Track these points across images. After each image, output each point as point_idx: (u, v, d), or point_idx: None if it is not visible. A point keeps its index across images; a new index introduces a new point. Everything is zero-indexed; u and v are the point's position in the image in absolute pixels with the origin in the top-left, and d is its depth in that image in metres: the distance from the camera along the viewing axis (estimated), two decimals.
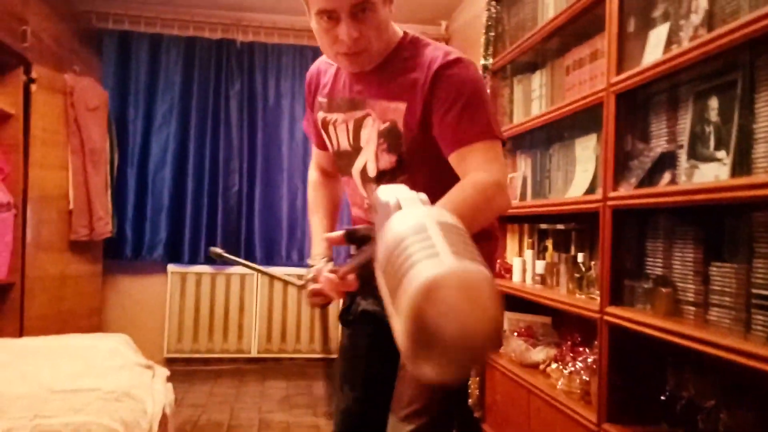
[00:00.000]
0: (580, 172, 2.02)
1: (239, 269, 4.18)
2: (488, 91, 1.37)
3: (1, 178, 2.90)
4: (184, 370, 4.08)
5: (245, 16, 4.26)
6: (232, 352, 4.24)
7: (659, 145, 1.61)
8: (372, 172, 1.35)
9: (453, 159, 1.20)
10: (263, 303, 4.25)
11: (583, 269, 1.94)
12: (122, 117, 4.06)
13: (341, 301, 1.40)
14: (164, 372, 2.25)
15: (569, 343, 2.12)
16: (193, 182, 4.17)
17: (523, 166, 2.48)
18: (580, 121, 2.02)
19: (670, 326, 1.40)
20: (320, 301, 1.27)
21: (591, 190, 1.91)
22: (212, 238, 4.19)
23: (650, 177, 1.59)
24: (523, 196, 2.42)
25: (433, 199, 0.88)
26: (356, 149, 1.37)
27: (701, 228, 1.45)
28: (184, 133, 4.17)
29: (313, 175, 1.59)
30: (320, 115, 1.43)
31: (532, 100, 2.37)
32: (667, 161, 1.56)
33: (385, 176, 1.34)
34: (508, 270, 2.51)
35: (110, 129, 3.77)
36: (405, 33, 1.33)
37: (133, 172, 4.10)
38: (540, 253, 2.32)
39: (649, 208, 1.60)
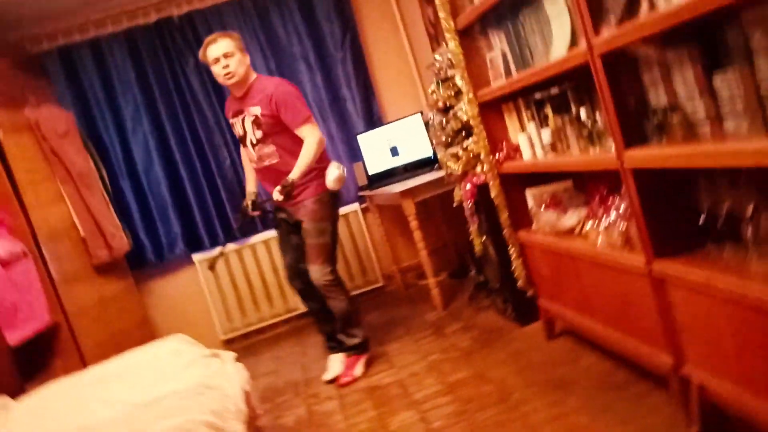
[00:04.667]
0: (557, 30, 1.96)
1: (259, 237, 4.23)
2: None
3: (6, 229, 2.90)
4: (244, 346, 4.21)
5: None
6: (283, 314, 4.35)
7: None
8: (253, 140, 2.93)
9: (297, 132, 2.85)
10: None
11: (589, 124, 1.92)
12: (94, 131, 4.01)
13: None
14: (231, 355, 2.31)
15: (596, 198, 2.13)
16: (186, 169, 4.16)
17: (498, 42, 2.41)
18: None
19: (689, 151, 1.40)
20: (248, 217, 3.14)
21: (574, 42, 1.86)
22: (224, 216, 4.21)
23: (629, 11, 1.54)
24: (507, 73, 2.37)
25: (284, 146, 2.90)
26: (245, 132, 2.95)
27: (694, 43, 1.41)
28: (159, 126, 4.12)
29: (242, 149, 3.13)
30: (231, 121, 3.05)
31: None
32: None
33: (259, 141, 2.91)
34: (517, 149, 2.49)
35: (88, 147, 3.72)
36: (258, 75, 2.96)
37: (125, 179, 4.09)
38: (542, 122, 2.30)
39: (637, 42, 1.56)
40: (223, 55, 2.77)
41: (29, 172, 3.09)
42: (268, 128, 2.86)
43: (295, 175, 2.80)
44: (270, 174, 2.95)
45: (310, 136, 2.84)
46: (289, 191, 2.81)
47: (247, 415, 1.95)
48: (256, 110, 2.85)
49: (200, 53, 2.88)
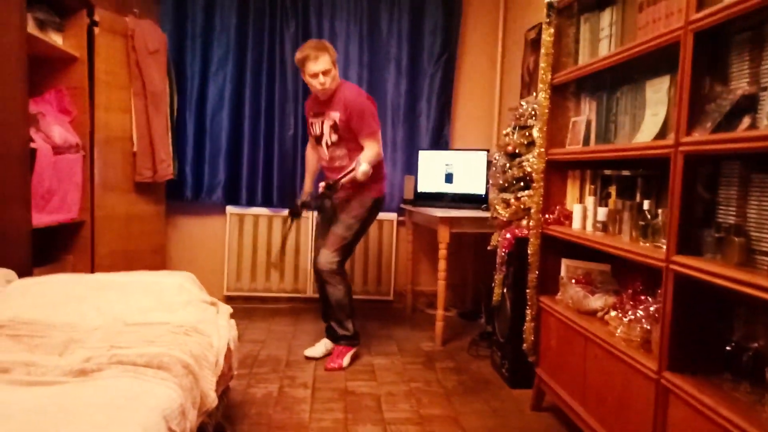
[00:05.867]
0: (649, 116, 1.93)
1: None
2: (373, 106, 3.15)
3: (69, 120, 3.00)
4: (243, 308, 4.24)
5: None
6: (289, 292, 4.37)
7: (740, 87, 1.51)
8: (329, 143, 3.16)
9: (361, 141, 3.07)
10: None
11: (649, 217, 1.88)
12: (180, 60, 4.11)
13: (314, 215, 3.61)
14: (227, 309, 2.34)
15: (630, 291, 2.08)
16: (250, 126, 4.22)
17: (587, 110, 2.39)
18: (653, 61, 1.92)
19: (741, 276, 1.35)
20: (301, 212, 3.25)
21: (661, 135, 1.83)
22: (269, 181, 4.26)
23: (728, 121, 1.50)
24: (586, 141, 2.34)
25: (355, 150, 3.11)
26: (322, 133, 3.18)
27: None
28: (241, 76, 4.20)
29: (308, 147, 3.49)
30: (310, 120, 3.28)
31: (600, 40, 2.26)
32: (747, 104, 1.47)
33: (334, 144, 3.15)
34: (568, 217, 2.46)
35: (170, 72, 3.82)
36: (341, 80, 3.16)
37: (191, 115, 4.18)
38: (602, 200, 2.26)
39: (724, 154, 1.52)
40: (322, 72, 3.00)
41: (109, 75, 3.19)
42: (343, 133, 3.10)
43: (345, 180, 3.03)
44: (337, 174, 3.13)
45: (371, 149, 3.06)
46: (329, 195, 3.07)
47: (222, 371, 1.96)
48: (336, 115, 3.08)
49: (297, 57, 3.06)
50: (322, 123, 3.16)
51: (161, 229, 3.92)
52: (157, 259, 3.81)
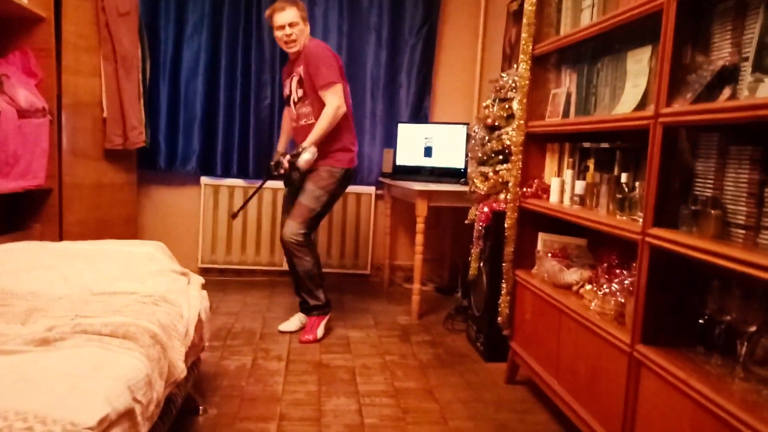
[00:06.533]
0: (630, 88, 1.90)
1: (271, 184, 4.19)
2: (330, 54, 3.05)
3: (35, 83, 2.89)
4: (217, 280, 4.19)
5: None
6: (264, 265, 4.32)
7: (721, 57, 1.49)
8: (295, 99, 3.13)
9: (320, 94, 2.98)
10: None
11: (626, 190, 1.86)
12: (153, 24, 3.98)
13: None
14: (199, 279, 2.29)
15: (605, 264, 2.08)
16: (225, 94, 4.13)
17: (568, 82, 2.36)
18: (635, 31, 1.89)
19: (717, 249, 1.34)
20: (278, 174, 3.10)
21: (641, 106, 1.81)
22: (245, 151, 4.18)
23: (708, 92, 1.48)
24: (566, 113, 2.32)
25: (320, 107, 3.00)
26: (291, 91, 3.15)
27: (760, 147, 1.36)
28: (216, 43, 4.09)
29: (285, 108, 3.37)
30: (284, 81, 3.23)
31: (582, 10, 2.22)
32: (728, 75, 1.45)
33: (300, 100, 3.10)
34: (546, 190, 2.44)
35: (141, 36, 3.70)
36: (310, 39, 3.09)
37: (165, 82, 4.06)
38: (580, 173, 2.24)
39: (703, 126, 1.51)
40: (289, 24, 2.98)
41: (77, 36, 3.07)
42: (307, 88, 3.04)
43: (308, 142, 2.95)
44: (305, 133, 3.05)
45: (329, 104, 2.96)
46: (293, 162, 2.98)
47: (192, 342, 1.92)
48: (300, 69, 3.05)
49: (266, 13, 3.07)
50: (291, 81, 3.13)
51: (133, 199, 3.83)
52: (128, 229, 3.73)
